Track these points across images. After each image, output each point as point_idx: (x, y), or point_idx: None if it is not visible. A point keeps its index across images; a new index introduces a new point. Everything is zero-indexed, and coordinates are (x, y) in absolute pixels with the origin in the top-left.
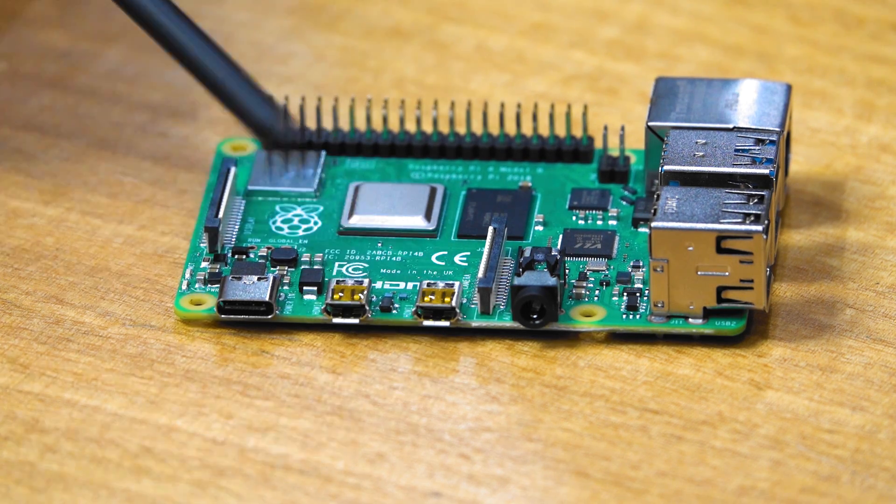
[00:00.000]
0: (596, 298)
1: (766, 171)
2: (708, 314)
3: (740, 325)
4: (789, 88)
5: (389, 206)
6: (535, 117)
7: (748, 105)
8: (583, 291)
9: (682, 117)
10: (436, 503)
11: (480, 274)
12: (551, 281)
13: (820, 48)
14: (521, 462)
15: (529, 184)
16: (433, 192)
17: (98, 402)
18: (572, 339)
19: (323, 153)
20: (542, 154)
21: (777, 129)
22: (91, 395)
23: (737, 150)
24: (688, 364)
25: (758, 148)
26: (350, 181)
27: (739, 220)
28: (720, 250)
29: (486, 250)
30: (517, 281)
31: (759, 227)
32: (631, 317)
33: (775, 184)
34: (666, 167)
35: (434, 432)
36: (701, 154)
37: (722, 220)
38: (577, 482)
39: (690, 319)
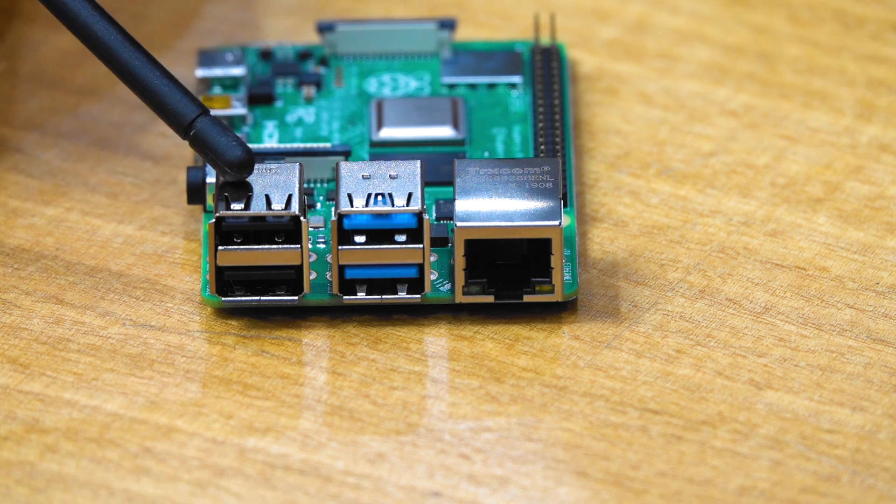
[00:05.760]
0: None
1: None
2: None
3: None
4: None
5: (417, 118)
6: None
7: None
8: None
9: None
10: (436, 503)
11: None
12: None
13: (820, 48)
14: (521, 462)
15: None
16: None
17: (98, 402)
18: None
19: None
20: None
21: None
22: (91, 395)
23: None
24: (688, 364)
25: None
26: None
27: None
28: None
29: None
30: None
31: None
32: None
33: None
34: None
35: (434, 432)
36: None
37: None
38: (577, 482)
39: None
